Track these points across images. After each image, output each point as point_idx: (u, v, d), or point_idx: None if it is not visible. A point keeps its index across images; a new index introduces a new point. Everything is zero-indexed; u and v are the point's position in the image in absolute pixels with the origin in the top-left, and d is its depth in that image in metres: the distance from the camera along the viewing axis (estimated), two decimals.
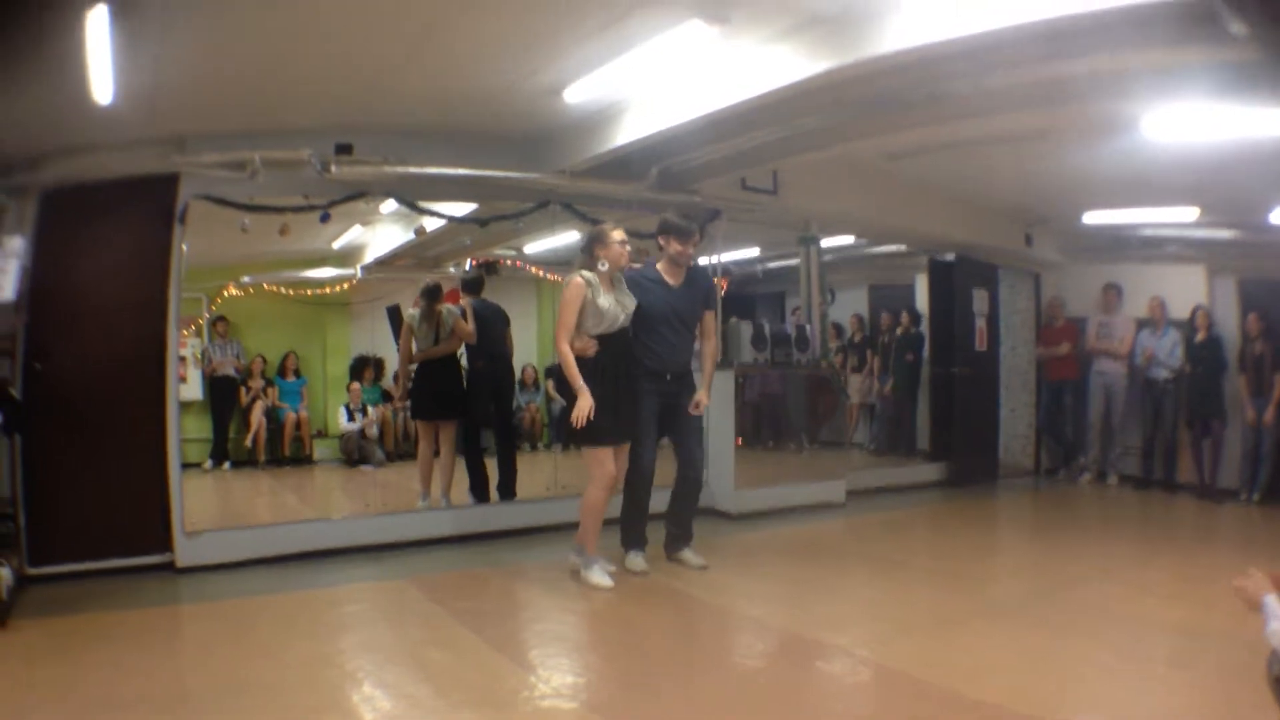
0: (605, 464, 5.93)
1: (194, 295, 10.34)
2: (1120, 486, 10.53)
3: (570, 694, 4.20)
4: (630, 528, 6.44)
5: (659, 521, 6.54)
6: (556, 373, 6.18)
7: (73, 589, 5.88)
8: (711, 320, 6.55)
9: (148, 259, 6.46)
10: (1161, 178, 7.89)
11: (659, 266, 6.34)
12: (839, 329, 12.60)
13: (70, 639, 4.90)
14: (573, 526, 6.27)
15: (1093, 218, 10.13)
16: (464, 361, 8.16)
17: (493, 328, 8.16)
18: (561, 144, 7.25)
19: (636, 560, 6.35)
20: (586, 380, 5.80)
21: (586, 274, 5.87)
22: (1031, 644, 4.83)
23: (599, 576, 5.97)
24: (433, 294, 7.98)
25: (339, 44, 5.36)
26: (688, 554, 6.51)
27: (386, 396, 11.70)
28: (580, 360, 5.85)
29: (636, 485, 6.34)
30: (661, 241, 6.31)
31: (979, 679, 4.19)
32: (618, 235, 5.97)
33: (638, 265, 6.37)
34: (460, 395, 8.00)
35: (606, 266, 5.89)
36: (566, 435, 6.18)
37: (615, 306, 5.91)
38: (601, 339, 5.91)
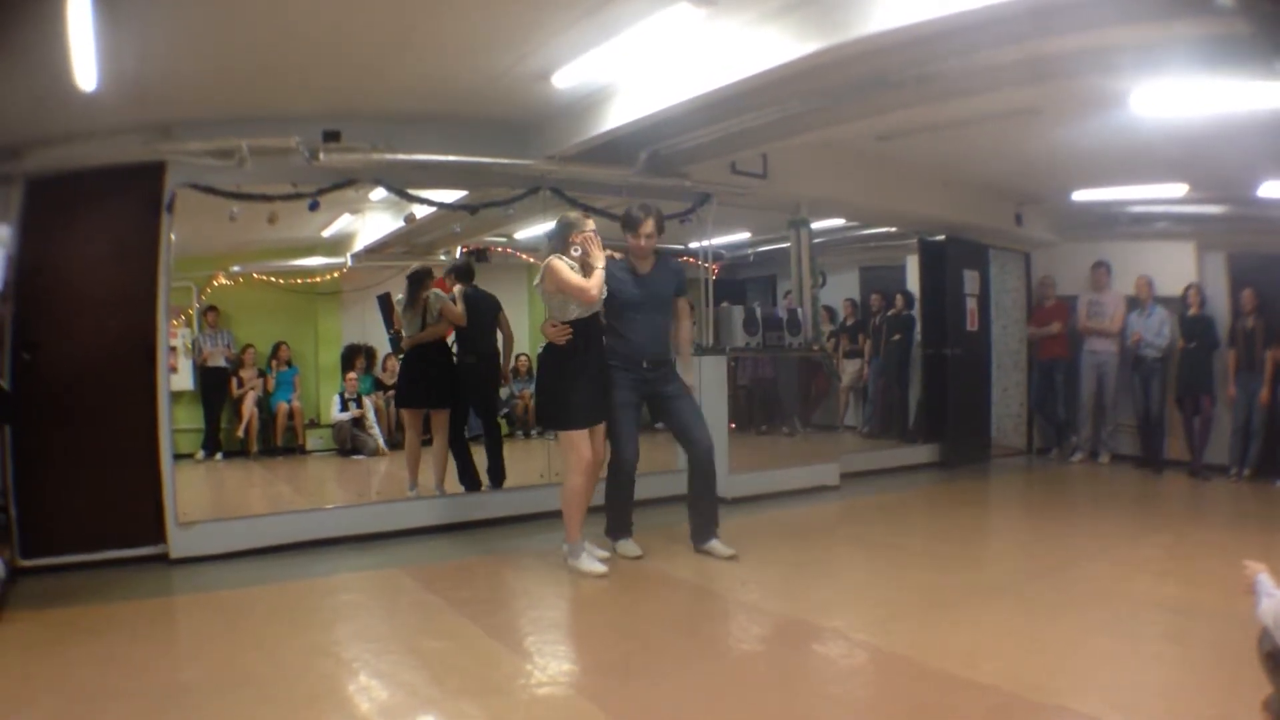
0: (580, 448, 5.92)
1: (183, 285, 10.36)
2: (1113, 465, 10.56)
3: (567, 681, 4.20)
4: (615, 517, 6.46)
5: (648, 509, 6.52)
6: (542, 358, 6.18)
7: (66, 581, 5.87)
8: (683, 305, 6.48)
9: (136, 248, 6.42)
10: (1150, 154, 7.88)
11: (627, 258, 6.31)
12: (831, 312, 12.60)
13: (64, 631, 4.89)
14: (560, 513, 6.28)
15: (1082, 196, 10.15)
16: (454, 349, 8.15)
17: (484, 317, 8.12)
18: (551, 129, 7.22)
19: (628, 546, 6.37)
20: (559, 366, 5.93)
21: (562, 258, 5.86)
22: (1027, 624, 4.84)
23: (589, 563, 5.97)
24: (419, 279, 7.93)
25: (327, 29, 5.31)
26: (715, 544, 6.41)
27: (379, 385, 11.70)
28: (547, 350, 6.03)
29: (618, 477, 6.33)
30: (624, 236, 6.29)
31: (975, 660, 4.19)
32: (591, 224, 5.97)
33: (618, 255, 6.32)
34: (450, 383, 7.95)
35: (580, 251, 5.85)
36: (540, 420, 6.26)
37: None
38: (575, 323, 5.91)
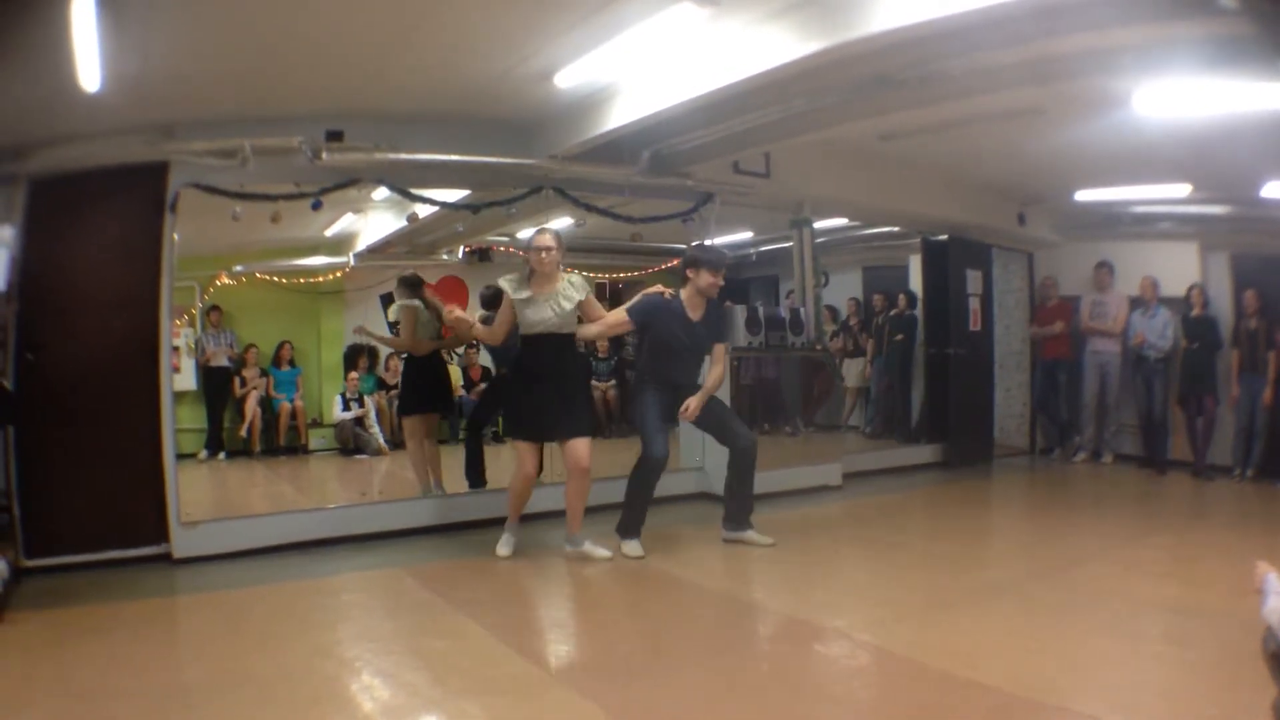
0: (520, 457, 6.19)
1: (186, 284, 10.34)
2: (1115, 465, 10.55)
3: (569, 681, 4.21)
4: (630, 515, 6.49)
5: (650, 509, 6.55)
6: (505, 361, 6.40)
7: (69, 581, 5.86)
8: (720, 350, 6.60)
9: (139, 248, 6.42)
10: (1153, 154, 7.88)
11: (684, 297, 6.44)
12: (834, 312, 12.59)
13: (67, 631, 4.89)
14: (564, 513, 6.34)
15: (1085, 196, 10.15)
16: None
17: (511, 340, 8.14)
18: (554, 128, 7.21)
19: (633, 547, 6.39)
20: (514, 378, 6.33)
21: (510, 280, 6.14)
22: (1028, 625, 4.85)
23: (502, 545, 6.43)
24: (418, 284, 7.97)
25: (330, 29, 5.31)
26: (751, 534, 6.62)
27: (381, 384, 11.70)
28: (510, 358, 6.49)
29: (645, 474, 6.42)
30: (690, 274, 6.43)
31: (978, 661, 4.19)
32: (539, 240, 6.11)
33: (670, 292, 6.45)
34: (446, 387, 8.02)
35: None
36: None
37: (541, 309, 6.06)
38: (530, 340, 6.11)
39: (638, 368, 6.47)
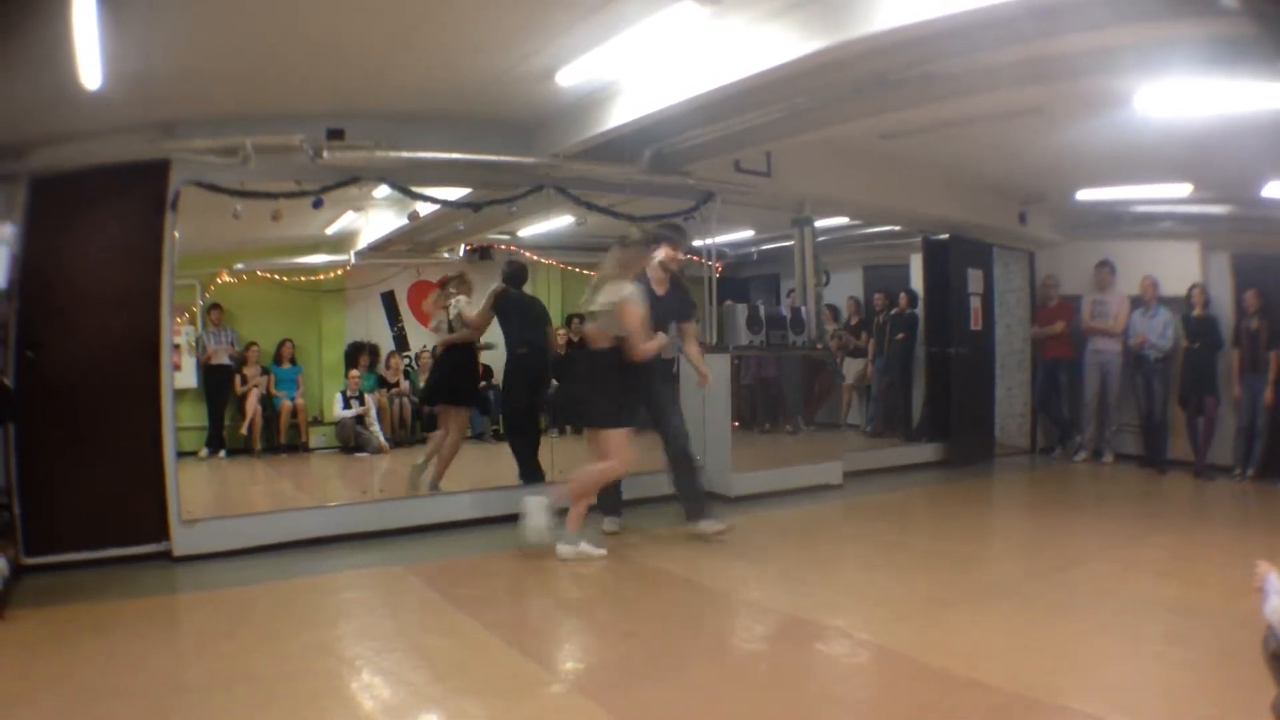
0: (628, 444, 6.32)
1: (187, 283, 10.31)
2: (1116, 465, 10.54)
3: (569, 679, 4.21)
4: (605, 497, 6.86)
5: (650, 507, 6.60)
6: (591, 362, 6.44)
7: (69, 578, 5.87)
8: (690, 328, 7.00)
9: (140, 246, 6.42)
10: (1154, 154, 7.87)
11: (649, 274, 6.68)
12: (835, 312, 12.57)
13: (67, 628, 4.90)
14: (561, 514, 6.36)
15: (1086, 195, 10.13)
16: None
17: (527, 314, 8.13)
18: (555, 127, 7.22)
19: (611, 524, 6.89)
20: (610, 372, 6.31)
21: (632, 288, 6.23)
22: (1028, 624, 4.84)
23: (550, 548, 6.32)
24: (443, 284, 8.08)
25: (331, 28, 5.32)
26: (702, 524, 6.76)
27: (383, 383, 11.70)
28: (599, 352, 6.38)
29: None
30: (652, 249, 6.67)
31: (977, 660, 4.19)
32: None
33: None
34: (473, 382, 8.07)
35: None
36: (576, 418, 6.54)
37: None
38: (622, 339, 6.27)
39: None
